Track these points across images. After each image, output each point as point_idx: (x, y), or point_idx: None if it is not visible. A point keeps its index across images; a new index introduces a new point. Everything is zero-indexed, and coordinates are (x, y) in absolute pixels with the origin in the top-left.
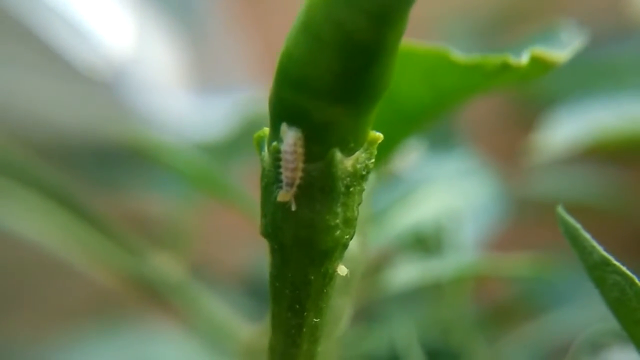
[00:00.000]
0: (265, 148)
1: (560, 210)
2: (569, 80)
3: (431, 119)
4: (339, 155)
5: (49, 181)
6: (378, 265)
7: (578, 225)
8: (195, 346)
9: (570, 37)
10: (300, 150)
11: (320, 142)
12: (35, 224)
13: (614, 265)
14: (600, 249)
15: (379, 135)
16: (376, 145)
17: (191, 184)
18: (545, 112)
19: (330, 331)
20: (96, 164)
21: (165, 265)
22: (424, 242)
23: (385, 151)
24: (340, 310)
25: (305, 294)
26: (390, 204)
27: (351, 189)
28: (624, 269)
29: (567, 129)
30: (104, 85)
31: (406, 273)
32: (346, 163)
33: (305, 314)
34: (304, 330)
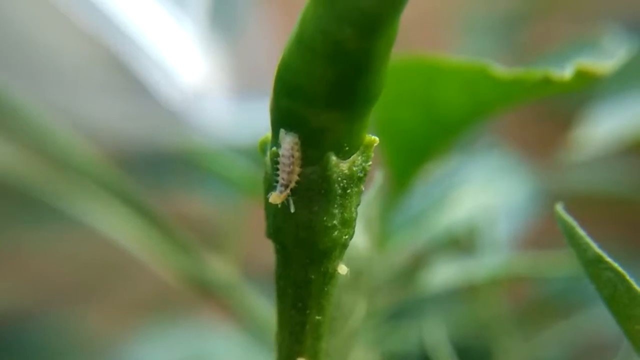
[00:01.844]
0: (268, 152)
1: (559, 207)
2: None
3: (471, 128)
4: (334, 158)
5: (123, 186)
6: (415, 266)
7: (574, 223)
8: (243, 340)
9: (615, 44)
10: (297, 154)
11: (316, 147)
12: (113, 225)
13: (607, 262)
14: (594, 246)
15: (374, 139)
16: (372, 148)
17: (234, 189)
18: (581, 106)
19: (340, 328)
20: (153, 169)
21: (217, 265)
22: (459, 242)
23: (426, 158)
24: (350, 307)
25: (306, 292)
26: (426, 206)
27: (348, 191)
28: (616, 265)
29: (608, 124)
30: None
31: (442, 273)
32: (342, 166)
33: (308, 311)
34: (307, 327)
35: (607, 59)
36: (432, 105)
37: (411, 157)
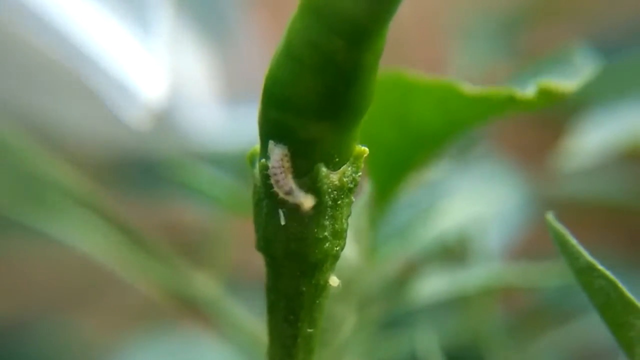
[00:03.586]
0: (257, 165)
1: (550, 216)
2: (599, 81)
3: (445, 143)
4: (324, 170)
5: (102, 201)
6: (406, 276)
7: (566, 231)
8: (230, 354)
9: (584, 61)
10: (287, 165)
11: (305, 158)
12: (91, 240)
13: (599, 270)
14: (586, 254)
15: (364, 150)
16: (362, 159)
17: (216, 203)
18: (575, 113)
19: (331, 339)
20: (137, 178)
21: (201, 278)
22: (451, 252)
23: (405, 170)
24: (340, 318)
25: (298, 305)
26: (415, 216)
27: (339, 202)
28: (608, 273)
29: (601, 133)
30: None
31: (433, 283)
32: (332, 177)
33: (299, 324)
34: (299, 340)
35: (576, 76)
36: (408, 120)
37: (391, 170)
